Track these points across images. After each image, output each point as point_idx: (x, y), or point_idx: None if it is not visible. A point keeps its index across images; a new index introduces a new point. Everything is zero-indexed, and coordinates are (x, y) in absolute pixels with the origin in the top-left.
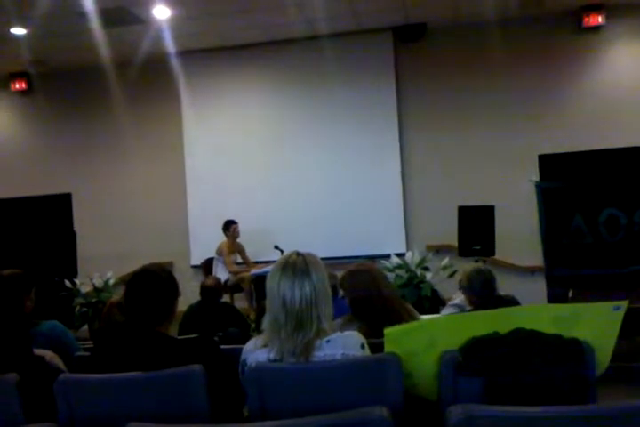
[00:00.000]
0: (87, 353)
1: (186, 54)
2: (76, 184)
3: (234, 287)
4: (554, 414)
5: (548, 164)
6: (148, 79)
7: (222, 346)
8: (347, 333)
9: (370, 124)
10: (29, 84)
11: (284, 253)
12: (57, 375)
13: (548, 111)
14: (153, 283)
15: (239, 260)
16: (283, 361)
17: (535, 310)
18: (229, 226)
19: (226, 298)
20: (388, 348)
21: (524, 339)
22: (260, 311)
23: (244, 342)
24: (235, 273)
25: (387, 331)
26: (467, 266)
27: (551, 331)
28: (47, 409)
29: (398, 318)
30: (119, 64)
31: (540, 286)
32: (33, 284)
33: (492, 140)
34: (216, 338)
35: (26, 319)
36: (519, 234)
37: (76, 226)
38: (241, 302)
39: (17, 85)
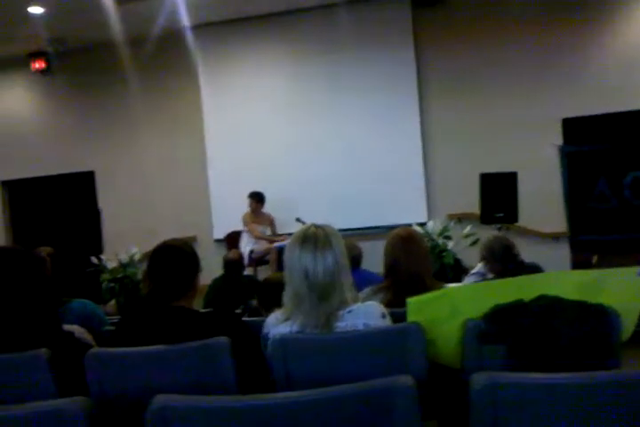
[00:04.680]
0: (114, 328)
1: (201, 28)
2: (97, 162)
3: (258, 260)
4: (579, 380)
5: (572, 127)
6: (164, 54)
7: (244, 318)
8: (367, 303)
9: (389, 93)
10: (48, 63)
11: (302, 226)
12: (87, 350)
13: (571, 74)
14: (175, 258)
15: (268, 233)
16: (306, 333)
17: (559, 277)
18: (250, 199)
19: (249, 271)
20: (410, 317)
21: (548, 306)
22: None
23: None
24: (261, 239)
25: (410, 300)
26: (488, 235)
27: (575, 297)
28: (79, 384)
29: (424, 287)
30: (135, 40)
31: (564, 252)
32: (62, 262)
33: (513, 106)
34: (238, 311)
35: (55, 296)
36: (542, 200)
37: (100, 203)
38: (265, 275)
39: (37, 65)
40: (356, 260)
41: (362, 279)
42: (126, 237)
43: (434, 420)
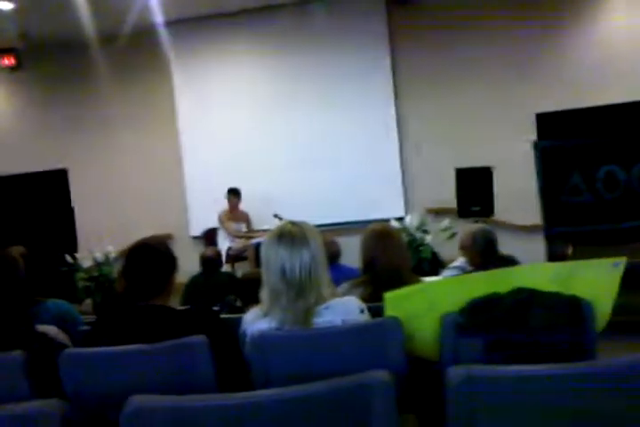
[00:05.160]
0: (90, 327)
1: (174, 24)
2: (70, 159)
3: (236, 257)
4: (554, 372)
5: (546, 122)
6: (137, 50)
7: (222, 316)
8: (345, 298)
9: (365, 88)
10: (18, 59)
11: (278, 224)
12: (61, 351)
13: (545, 70)
14: (150, 257)
15: (244, 229)
16: (284, 330)
17: (534, 269)
18: (229, 196)
19: (227, 267)
20: (388, 312)
21: (524, 298)
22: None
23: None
24: (238, 237)
25: (387, 295)
26: (470, 226)
27: (550, 289)
28: (53, 385)
29: (402, 281)
30: (107, 36)
31: (539, 244)
32: (35, 261)
33: (489, 101)
34: (216, 308)
35: (28, 297)
36: (518, 194)
37: (74, 201)
38: (243, 272)
39: (6, 61)
40: (334, 255)
41: (341, 274)
42: (101, 236)
43: (412, 413)
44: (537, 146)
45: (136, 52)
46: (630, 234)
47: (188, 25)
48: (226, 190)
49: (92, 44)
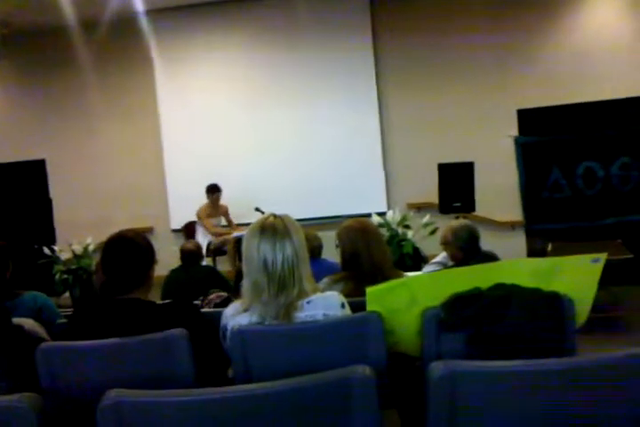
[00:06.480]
0: (67, 320)
1: (155, 13)
2: (48, 150)
3: (216, 250)
4: (535, 367)
5: (527, 118)
6: (117, 39)
7: (204, 309)
8: (327, 293)
9: (347, 82)
10: None
11: (261, 216)
12: (38, 344)
13: (526, 67)
14: (128, 249)
15: (224, 222)
16: (265, 324)
17: (515, 265)
18: (212, 191)
19: (208, 261)
20: (370, 306)
21: (504, 294)
22: (238, 273)
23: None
24: (217, 235)
25: (369, 290)
26: (452, 222)
27: (531, 285)
28: (30, 379)
29: (384, 277)
30: (87, 24)
31: (520, 240)
32: (11, 255)
33: (471, 97)
34: (197, 302)
35: (4, 290)
36: (499, 190)
37: (52, 192)
38: (224, 266)
39: None
40: (316, 250)
41: (322, 269)
42: (80, 228)
43: (393, 409)
44: (517, 141)
45: (117, 41)
46: (609, 231)
47: (170, 14)
48: (206, 186)
49: (73, 32)
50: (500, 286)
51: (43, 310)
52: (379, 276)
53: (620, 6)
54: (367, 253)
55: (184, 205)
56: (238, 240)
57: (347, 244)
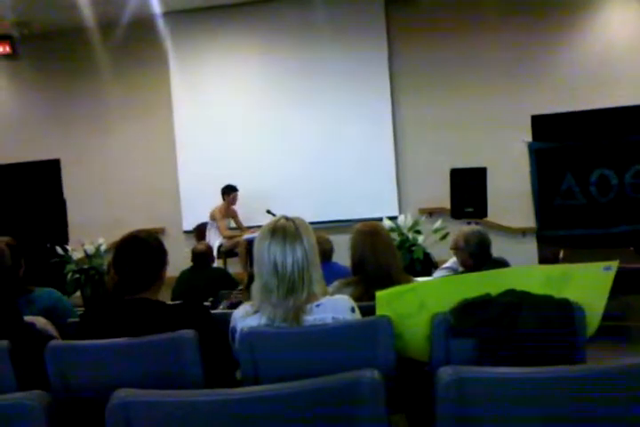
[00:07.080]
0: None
1: (173, 15)
2: (63, 150)
3: (227, 252)
4: (544, 375)
5: (541, 124)
6: (134, 41)
7: (213, 311)
8: (337, 296)
9: (361, 87)
10: (13, 47)
11: (273, 218)
12: (48, 342)
13: (541, 72)
14: (140, 249)
15: (232, 225)
16: (274, 326)
17: (526, 271)
18: (230, 192)
19: (219, 263)
20: (379, 311)
21: (515, 300)
22: (250, 277)
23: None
24: (229, 238)
25: (378, 294)
26: (463, 227)
27: (542, 292)
28: (40, 377)
29: (392, 281)
30: (105, 25)
31: (531, 247)
32: (24, 252)
33: (485, 102)
34: (207, 303)
35: (16, 288)
36: (511, 196)
37: (66, 192)
38: (235, 268)
39: (1, 49)
40: (327, 253)
41: (333, 272)
42: (93, 228)
43: (402, 413)
44: (531, 147)
45: (133, 42)
46: (621, 238)
47: (186, 16)
48: (224, 186)
49: (89, 33)
50: (510, 293)
51: (57, 306)
52: (386, 280)
53: (639, 9)
54: (373, 257)
55: (196, 207)
56: (250, 242)
57: (355, 247)
